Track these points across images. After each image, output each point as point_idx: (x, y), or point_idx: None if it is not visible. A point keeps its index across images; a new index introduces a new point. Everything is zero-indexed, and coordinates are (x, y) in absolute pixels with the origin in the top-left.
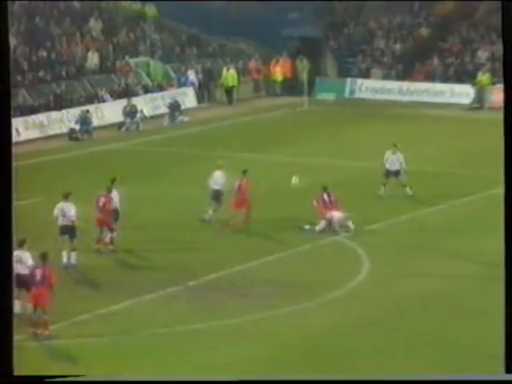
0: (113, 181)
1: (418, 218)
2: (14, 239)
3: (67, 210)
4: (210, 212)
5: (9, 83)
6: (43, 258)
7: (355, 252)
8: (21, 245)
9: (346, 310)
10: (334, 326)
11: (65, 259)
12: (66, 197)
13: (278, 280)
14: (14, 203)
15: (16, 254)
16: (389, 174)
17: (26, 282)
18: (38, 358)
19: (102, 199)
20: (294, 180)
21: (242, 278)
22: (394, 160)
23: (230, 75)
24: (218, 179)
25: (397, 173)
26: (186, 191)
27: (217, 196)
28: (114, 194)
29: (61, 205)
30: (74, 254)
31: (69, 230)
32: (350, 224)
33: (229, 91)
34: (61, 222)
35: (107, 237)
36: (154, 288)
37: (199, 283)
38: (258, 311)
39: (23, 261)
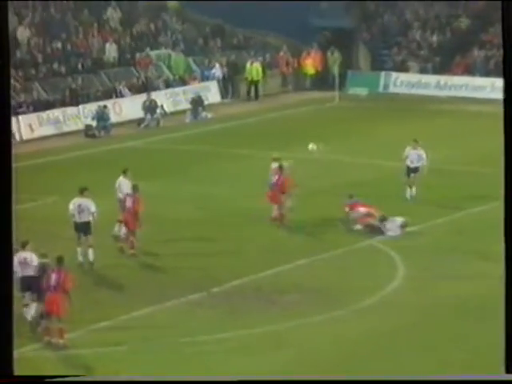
0: (124, 171)
1: (454, 220)
2: (17, 240)
3: (85, 206)
4: None
5: (9, 83)
6: (59, 261)
7: (389, 256)
8: (23, 246)
9: (381, 318)
10: (368, 334)
11: (80, 257)
12: (82, 192)
13: (309, 286)
14: (29, 204)
15: (19, 255)
16: (409, 171)
17: (36, 286)
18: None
19: (130, 199)
20: (312, 146)
21: (270, 283)
22: (414, 156)
23: (254, 69)
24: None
25: (415, 170)
26: (209, 191)
27: None
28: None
29: (77, 200)
30: (91, 252)
31: (85, 227)
32: (396, 226)
33: (253, 86)
34: (77, 218)
35: (130, 238)
36: (177, 294)
37: (223, 289)
38: (287, 319)
39: (28, 262)
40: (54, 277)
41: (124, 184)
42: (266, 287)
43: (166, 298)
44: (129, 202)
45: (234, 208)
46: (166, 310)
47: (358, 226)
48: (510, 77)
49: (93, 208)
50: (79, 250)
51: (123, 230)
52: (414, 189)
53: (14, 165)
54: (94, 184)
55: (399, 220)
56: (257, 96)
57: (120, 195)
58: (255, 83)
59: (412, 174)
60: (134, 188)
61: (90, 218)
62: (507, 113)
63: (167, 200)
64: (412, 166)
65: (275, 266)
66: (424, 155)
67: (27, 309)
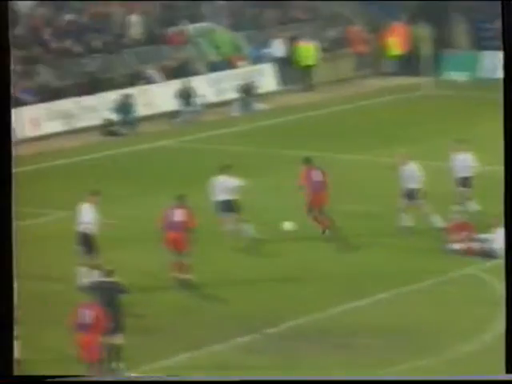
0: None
1: None
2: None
3: (90, 214)
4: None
5: (9, 84)
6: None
7: (493, 288)
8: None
9: (482, 369)
10: None
11: (87, 278)
12: (92, 196)
13: (389, 327)
14: (33, 220)
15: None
16: (458, 182)
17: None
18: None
19: (179, 212)
20: (287, 226)
21: (338, 323)
22: (460, 162)
23: (306, 49)
24: None
25: (465, 181)
26: (261, 202)
27: None
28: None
29: (85, 207)
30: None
31: (86, 241)
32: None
33: (305, 71)
34: (77, 227)
35: (181, 261)
36: (224, 336)
37: (280, 331)
38: (362, 368)
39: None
40: (88, 313)
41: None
42: (333, 327)
43: (211, 340)
44: (178, 216)
45: (294, 224)
46: (211, 356)
47: (457, 247)
48: (510, 77)
49: (90, 219)
50: (83, 270)
51: (173, 253)
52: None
53: (13, 170)
54: (115, 195)
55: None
56: (308, 83)
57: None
58: (308, 68)
59: (461, 188)
60: (181, 199)
61: (87, 231)
62: (507, 112)
63: (207, 213)
64: (460, 175)
65: (346, 300)
66: (472, 161)
67: None
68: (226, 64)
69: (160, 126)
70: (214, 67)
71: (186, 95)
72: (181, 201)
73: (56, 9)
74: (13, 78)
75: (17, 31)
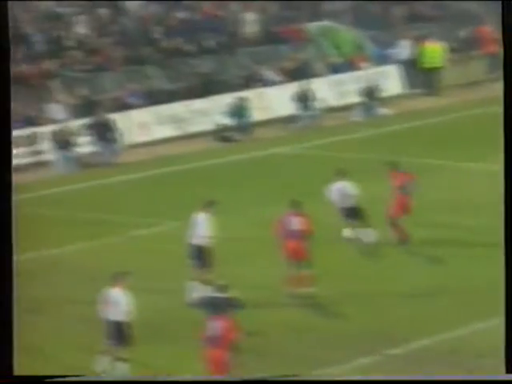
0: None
1: None
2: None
3: (206, 225)
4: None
5: (9, 84)
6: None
7: None
8: (117, 280)
9: None
10: None
11: (198, 293)
12: (208, 206)
13: None
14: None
15: (109, 292)
16: None
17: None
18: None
19: (296, 220)
20: (346, 233)
21: (471, 343)
22: None
23: (432, 50)
24: None
25: None
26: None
27: None
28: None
29: (199, 217)
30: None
31: (200, 254)
32: None
33: (431, 73)
34: (192, 239)
35: (301, 273)
36: (342, 357)
37: (405, 351)
38: None
39: (117, 302)
40: (217, 324)
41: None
42: (465, 348)
43: (327, 361)
44: (297, 224)
45: (424, 233)
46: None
47: None
48: (510, 76)
49: (210, 232)
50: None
51: (293, 264)
52: None
53: (119, 177)
54: (228, 203)
55: None
56: (434, 86)
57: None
58: (435, 70)
59: None
60: (297, 206)
61: (204, 243)
62: (507, 113)
63: (326, 221)
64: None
65: (478, 317)
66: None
67: None
68: (348, 65)
69: (276, 131)
70: (334, 69)
71: (304, 98)
72: (297, 208)
73: (167, 7)
74: (120, 80)
75: (125, 30)
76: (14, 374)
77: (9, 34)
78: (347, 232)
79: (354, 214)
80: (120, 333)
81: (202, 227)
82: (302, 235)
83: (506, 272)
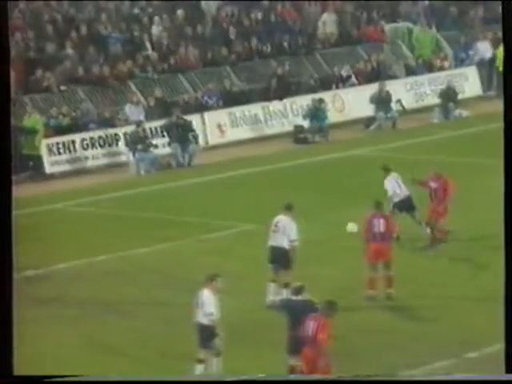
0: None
1: None
2: None
3: (282, 226)
4: None
5: (9, 85)
6: (329, 306)
7: None
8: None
9: None
10: None
11: (276, 295)
12: (287, 209)
13: None
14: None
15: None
16: None
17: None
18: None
19: (381, 221)
20: (351, 227)
21: None
22: None
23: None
24: None
25: None
26: (470, 215)
27: None
28: None
29: (280, 218)
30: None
31: (281, 258)
32: None
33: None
34: (272, 241)
35: (386, 273)
36: (418, 360)
37: (482, 355)
38: None
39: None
40: (311, 324)
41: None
42: None
43: (404, 364)
44: (383, 226)
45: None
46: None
47: None
48: (510, 77)
49: (292, 235)
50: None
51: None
52: None
53: (195, 179)
54: (306, 206)
55: None
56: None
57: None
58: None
59: None
60: (379, 206)
61: (286, 246)
62: (507, 113)
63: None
64: None
65: None
66: None
67: None
68: (426, 67)
69: (353, 133)
70: (412, 70)
71: (381, 100)
72: (380, 209)
73: (243, 8)
74: (196, 81)
75: (201, 31)
76: (14, 374)
77: (9, 34)
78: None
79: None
80: (205, 335)
81: (285, 231)
82: (386, 237)
83: (506, 271)
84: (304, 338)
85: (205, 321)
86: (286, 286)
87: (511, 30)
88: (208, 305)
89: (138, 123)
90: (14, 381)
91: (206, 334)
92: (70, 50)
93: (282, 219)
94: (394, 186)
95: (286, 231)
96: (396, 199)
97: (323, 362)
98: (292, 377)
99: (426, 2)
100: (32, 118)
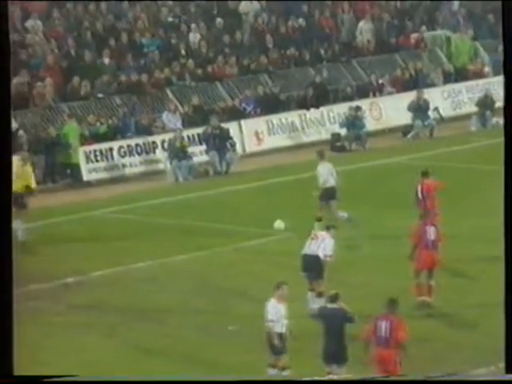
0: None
1: None
2: None
3: (326, 242)
4: None
5: (9, 85)
6: (391, 304)
7: None
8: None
9: None
10: None
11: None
12: (328, 228)
13: None
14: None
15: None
16: None
17: None
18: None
19: (432, 229)
20: (278, 224)
21: None
22: None
23: None
24: None
25: None
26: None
27: None
28: None
29: (320, 233)
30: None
31: (315, 270)
32: None
33: None
34: (307, 250)
35: (428, 282)
36: (459, 369)
37: None
38: None
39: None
40: (384, 324)
41: None
42: None
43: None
44: (433, 234)
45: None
46: None
47: None
48: (510, 77)
49: (329, 249)
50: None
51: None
52: None
53: (232, 187)
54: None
55: None
56: None
57: None
58: None
59: None
60: (424, 215)
61: (320, 256)
62: (507, 113)
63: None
64: None
65: None
66: None
67: None
68: (463, 75)
69: (391, 141)
70: (449, 78)
71: (419, 108)
72: (427, 218)
73: (280, 14)
74: (234, 89)
75: (239, 39)
76: (14, 374)
77: (9, 34)
78: None
79: None
80: (273, 342)
81: (320, 242)
82: (436, 245)
83: (506, 272)
84: (377, 339)
85: (273, 329)
86: (321, 294)
87: (511, 30)
88: (273, 313)
89: (176, 131)
90: (14, 381)
91: (274, 342)
92: (107, 58)
93: (323, 233)
94: (327, 173)
95: (323, 243)
96: (325, 185)
97: (399, 360)
98: (292, 377)
99: (464, 10)
100: (69, 126)
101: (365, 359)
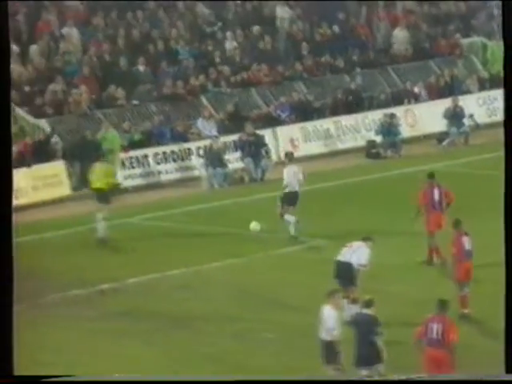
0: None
1: None
2: None
3: (362, 251)
4: None
5: (9, 85)
6: (442, 306)
7: None
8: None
9: None
10: None
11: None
12: (365, 240)
13: None
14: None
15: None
16: None
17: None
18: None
19: (468, 239)
20: (254, 226)
21: None
22: None
23: None
24: None
25: None
26: None
27: None
28: None
29: (354, 243)
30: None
31: (348, 273)
32: None
33: None
34: (341, 257)
35: (463, 293)
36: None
37: None
38: None
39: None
40: (436, 327)
41: None
42: None
43: None
44: (468, 244)
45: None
46: None
47: None
48: (510, 77)
49: (363, 259)
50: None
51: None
52: None
53: (267, 194)
54: (379, 220)
55: None
56: None
57: None
58: None
59: None
60: (459, 223)
61: (354, 263)
62: (507, 114)
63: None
64: None
65: None
66: None
67: None
68: (499, 81)
69: (426, 148)
70: (485, 85)
71: (454, 115)
72: (460, 227)
73: (315, 21)
74: (268, 95)
75: (273, 46)
76: (14, 374)
77: (9, 34)
78: None
79: None
80: (328, 351)
81: (355, 249)
82: (471, 255)
83: (507, 273)
84: (429, 340)
85: (327, 337)
86: (354, 301)
87: (511, 30)
88: (329, 320)
89: (211, 138)
90: (14, 381)
91: (329, 350)
92: (143, 65)
93: (358, 243)
94: (291, 177)
95: (358, 252)
96: (285, 190)
97: (452, 363)
98: (292, 377)
99: (499, 17)
100: (111, 133)
101: (416, 361)
